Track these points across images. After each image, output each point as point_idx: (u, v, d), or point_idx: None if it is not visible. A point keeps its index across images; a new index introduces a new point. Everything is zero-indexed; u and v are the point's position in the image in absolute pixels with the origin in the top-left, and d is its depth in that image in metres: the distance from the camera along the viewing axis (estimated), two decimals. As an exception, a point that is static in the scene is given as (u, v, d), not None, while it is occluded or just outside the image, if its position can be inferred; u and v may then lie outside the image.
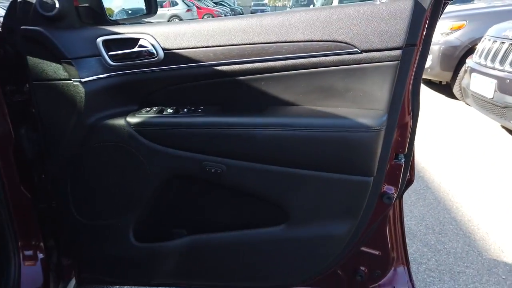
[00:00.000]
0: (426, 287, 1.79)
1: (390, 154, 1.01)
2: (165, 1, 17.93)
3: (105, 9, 1.07)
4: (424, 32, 0.91)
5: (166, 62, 0.97)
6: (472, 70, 3.77)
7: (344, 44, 0.91)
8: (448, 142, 3.67)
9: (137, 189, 1.07)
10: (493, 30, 3.73)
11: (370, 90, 0.94)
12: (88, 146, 1.03)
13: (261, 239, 1.11)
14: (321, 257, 1.12)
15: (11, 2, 0.97)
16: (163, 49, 0.96)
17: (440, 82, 5.41)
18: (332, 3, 10.40)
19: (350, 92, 0.95)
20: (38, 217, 1.19)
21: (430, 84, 6.05)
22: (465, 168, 3.09)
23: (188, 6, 19.26)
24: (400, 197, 1.12)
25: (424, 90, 5.83)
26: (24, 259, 1.16)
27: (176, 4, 18.62)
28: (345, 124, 0.94)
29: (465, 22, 4.75)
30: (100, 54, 0.97)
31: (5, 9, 1.01)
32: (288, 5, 31.04)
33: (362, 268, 1.18)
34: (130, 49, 0.96)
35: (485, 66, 3.55)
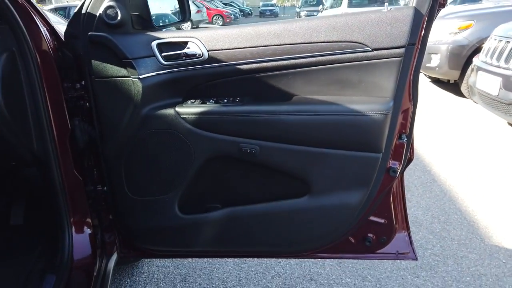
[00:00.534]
0: (431, 269, 1.94)
1: (395, 134, 1.19)
2: (175, 2, 18.16)
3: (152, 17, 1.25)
4: (422, 34, 1.09)
5: (209, 61, 1.15)
6: (479, 68, 3.89)
7: (358, 44, 1.09)
8: (455, 138, 3.79)
9: (183, 168, 1.25)
10: (499, 30, 3.84)
11: (379, 81, 1.12)
12: (142, 133, 1.20)
13: (287, 209, 1.28)
14: (337, 225, 1.29)
15: (75, 13, 1.15)
16: (208, 50, 1.14)
17: (448, 80, 5.51)
18: (341, 3, 10.52)
19: (363, 83, 1.14)
20: (86, 198, 1.37)
21: (439, 82, 6.16)
22: (471, 162, 3.21)
23: (197, 7, 19.49)
24: (402, 172, 1.29)
25: (432, 88, 5.94)
26: (76, 233, 1.34)
27: (186, 5, 18.80)
28: (358, 109, 1.12)
29: (472, 22, 4.85)
30: (154, 55, 1.14)
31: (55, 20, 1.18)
32: (297, 5, 31.17)
33: (371, 235, 1.35)
34: (179, 50, 1.14)
35: (491, 64, 3.67)
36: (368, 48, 1.09)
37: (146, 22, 1.23)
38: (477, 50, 4.61)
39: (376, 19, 1.07)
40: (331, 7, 11.93)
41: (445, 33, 5.03)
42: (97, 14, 1.12)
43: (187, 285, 1.86)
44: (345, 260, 2.00)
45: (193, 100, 1.22)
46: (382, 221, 1.34)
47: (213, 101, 1.20)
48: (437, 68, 5.15)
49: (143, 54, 1.14)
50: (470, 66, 4.52)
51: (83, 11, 1.14)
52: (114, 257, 1.47)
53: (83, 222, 1.36)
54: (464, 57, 4.83)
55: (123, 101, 1.17)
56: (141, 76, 1.14)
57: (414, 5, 1.06)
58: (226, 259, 2.03)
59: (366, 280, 1.87)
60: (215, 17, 22.88)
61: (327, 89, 1.17)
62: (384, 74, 1.11)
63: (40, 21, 1.18)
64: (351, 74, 1.13)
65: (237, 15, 28.33)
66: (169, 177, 1.27)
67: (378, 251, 1.39)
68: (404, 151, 1.23)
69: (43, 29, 1.18)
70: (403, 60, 1.08)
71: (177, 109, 1.19)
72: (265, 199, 1.30)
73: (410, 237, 1.38)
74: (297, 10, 25.03)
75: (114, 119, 1.20)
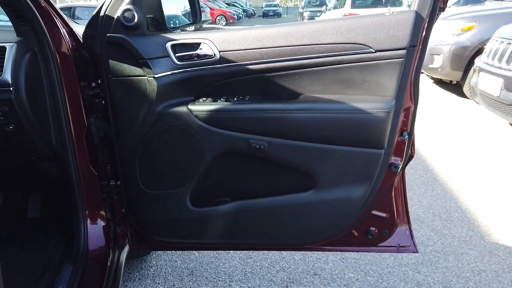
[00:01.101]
0: (432, 265, 1.99)
1: (397, 132, 1.24)
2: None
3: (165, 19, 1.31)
4: (423, 36, 1.14)
5: (221, 61, 1.21)
6: (480, 69, 3.93)
7: (362, 46, 1.15)
8: (457, 138, 3.84)
9: (195, 163, 1.31)
10: (501, 31, 3.88)
11: (381, 81, 1.18)
12: (156, 129, 1.26)
13: (293, 203, 1.34)
14: (341, 217, 1.34)
15: (94, 15, 1.21)
16: (219, 51, 1.20)
17: (451, 81, 5.54)
18: (344, 4, 10.55)
19: (366, 83, 1.20)
20: (101, 192, 1.43)
21: (441, 83, 6.19)
22: (472, 162, 3.26)
23: (201, 7, 19.50)
24: (403, 168, 1.34)
25: (435, 89, 5.98)
26: (90, 225, 1.40)
27: (190, 5, 18.83)
28: (362, 108, 1.18)
29: (475, 23, 4.88)
30: (168, 55, 1.20)
31: (75, 22, 1.25)
32: (300, 6, 31.20)
33: (373, 229, 1.41)
34: (192, 51, 1.20)
35: (492, 65, 3.71)
36: (371, 49, 1.15)
37: (160, 24, 1.29)
38: (479, 51, 4.64)
39: (379, 22, 1.13)
40: (334, 7, 11.95)
41: (447, 34, 5.06)
42: (115, 17, 1.18)
43: (194, 278, 1.91)
44: (348, 255, 2.06)
45: (204, 99, 1.27)
46: (384, 215, 1.40)
47: (223, 100, 1.26)
48: (440, 69, 5.19)
49: (158, 54, 1.20)
50: (472, 67, 4.56)
51: (101, 13, 1.20)
52: (126, 249, 1.53)
53: (98, 215, 1.42)
54: (467, 58, 4.87)
55: (139, 99, 1.23)
56: (156, 76, 1.20)
57: (415, 9, 1.12)
58: (232, 253, 2.09)
59: (368, 275, 1.92)
60: (218, 17, 22.94)
61: (332, 88, 1.23)
62: (386, 74, 1.17)
63: (61, 23, 1.24)
64: (355, 74, 1.19)
65: (240, 15, 28.38)
66: (181, 171, 1.33)
67: (380, 244, 1.45)
68: (405, 147, 1.28)
69: (63, 31, 1.24)
70: (404, 61, 1.14)
71: (190, 107, 1.25)
72: (272, 193, 1.36)
73: (411, 230, 1.44)
74: (300, 10, 25.07)
75: (129, 116, 1.26)
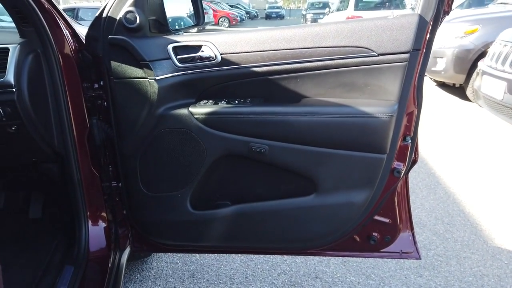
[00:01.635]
0: (434, 269, 1.98)
1: (400, 136, 1.23)
2: (182, 4, 18.24)
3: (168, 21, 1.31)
4: (427, 40, 1.13)
5: (222, 64, 1.20)
6: (484, 72, 3.92)
7: (365, 49, 1.14)
8: (460, 141, 3.82)
9: (195, 166, 1.30)
10: (504, 34, 3.87)
11: (384, 85, 1.17)
12: (157, 131, 1.26)
13: (294, 207, 1.33)
14: (343, 222, 1.33)
15: (96, 17, 1.21)
16: (220, 54, 1.20)
17: (454, 84, 5.53)
18: (347, 6, 10.56)
19: (369, 87, 1.19)
20: (102, 193, 1.43)
21: (444, 86, 6.18)
22: (475, 165, 3.24)
23: (204, 9, 19.55)
24: (406, 173, 1.33)
25: (438, 92, 5.97)
26: (92, 226, 1.40)
27: (193, 7, 18.88)
28: (364, 112, 1.17)
29: (478, 26, 4.87)
30: (170, 58, 1.20)
31: (78, 23, 1.26)
32: (303, 8, 31.23)
33: (375, 234, 1.39)
34: (194, 53, 1.20)
35: (496, 69, 3.70)
36: (374, 53, 1.14)
37: (162, 26, 1.29)
38: (482, 54, 4.63)
39: (382, 26, 1.12)
40: (338, 10, 11.97)
41: (451, 37, 5.05)
42: (117, 18, 1.18)
43: (195, 281, 1.91)
44: (349, 258, 2.05)
45: (206, 101, 1.27)
46: (387, 220, 1.39)
47: (225, 102, 1.26)
48: (443, 72, 5.18)
49: (160, 56, 1.20)
50: (476, 70, 4.54)
51: (104, 15, 1.20)
52: (127, 251, 1.53)
53: (99, 217, 1.42)
54: (470, 61, 4.85)
55: (140, 101, 1.23)
56: (157, 78, 1.20)
57: (419, 12, 1.11)
58: (233, 256, 2.08)
59: (370, 279, 1.91)
60: (221, 19, 23.00)
61: (334, 92, 1.22)
62: (389, 78, 1.16)
63: (63, 24, 1.24)
64: (357, 78, 1.18)
65: (243, 17, 28.45)
66: (182, 174, 1.32)
67: (382, 250, 1.43)
68: (408, 152, 1.27)
69: (66, 32, 1.24)
70: (407, 65, 1.13)
71: (191, 109, 1.24)
72: (273, 197, 1.35)
73: (414, 236, 1.43)
74: (303, 12, 25.09)
75: (131, 118, 1.26)
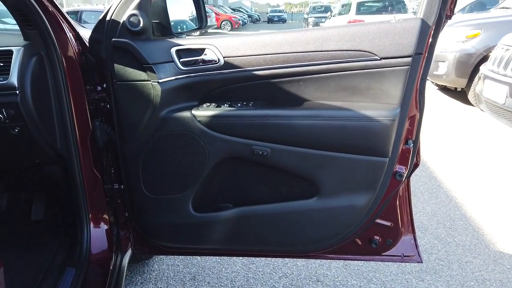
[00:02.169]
0: (436, 273, 1.97)
1: (402, 140, 1.23)
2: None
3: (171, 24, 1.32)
4: (429, 44, 1.14)
5: (225, 67, 1.21)
6: (485, 77, 3.92)
7: (367, 53, 1.15)
8: (462, 145, 3.82)
9: (198, 168, 1.31)
10: (506, 39, 3.87)
11: (386, 89, 1.17)
12: (160, 134, 1.27)
13: (296, 210, 1.33)
14: (344, 226, 1.33)
15: (100, 20, 1.22)
16: (223, 57, 1.20)
17: (455, 88, 5.53)
18: (349, 10, 10.58)
19: (371, 90, 1.19)
20: (104, 195, 1.43)
21: (446, 90, 6.18)
22: (477, 169, 3.24)
23: (207, 12, 19.60)
24: (408, 177, 1.33)
25: (439, 96, 5.97)
26: (93, 228, 1.40)
27: (195, 11, 18.95)
28: (367, 115, 1.18)
29: (480, 31, 4.87)
30: (173, 61, 1.21)
31: (82, 26, 1.26)
32: (305, 12, 31.31)
33: (377, 237, 1.39)
34: (197, 57, 1.20)
35: (498, 73, 3.70)
36: (376, 57, 1.14)
37: (166, 29, 1.30)
38: (484, 59, 4.63)
39: (385, 30, 1.13)
40: (339, 14, 11.99)
41: (452, 41, 5.06)
42: (121, 21, 1.19)
43: (196, 283, 1.91)
44: (351, 262, 2.04)
45: (208, 104, 1.28)
46: (388, 224, 1.39)
47: (227, 105, 1.26)
48: (445, 76, 5.18)
49: (163, 59, 1.21)
50: (477, 75, 4.54)
51: (107, 18, 1.21)
52: (129, 253, 1.53)
53: (101, 219, 1.42)
54: (472, 65, 4.86)
55: (143, 104, 1.24)
56: (160, 80, 1.20)
57: (421, 16, 1.11)
58: (235, 259, 2.08)
59: (371, 283, 1.90)
60: (223, 23, 23.07)
61: (336, 95, 1.22)
62: (391, 82, 1.16)
63: (67, 27, 1.25)
64: (360, 82, 1.18)
65: (246, 20, 28.53)
66: (184, 176, 1.33)
67: (384, 253, 1.43)
68: (410, 156, 1.27)
69: (70, 35, 1.25)
70: (410, 69, 1.14)
71: (193, 112, 1.25)
72: (275, 200, 1.35)
73: (415, 240, 1.42)
74: (305, 16, 25.16)
75: (134, 121, 1.27)
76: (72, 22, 1.32)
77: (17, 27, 1.27)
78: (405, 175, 1.29)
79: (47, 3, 1.19)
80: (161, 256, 2.08)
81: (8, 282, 1.36)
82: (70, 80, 1.25)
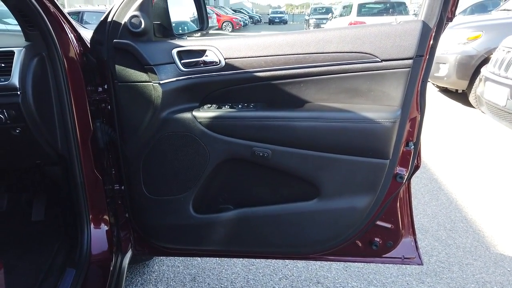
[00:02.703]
0: (436, 276, 1.97)
1: (403, 142, 1.23)
2: (186, 9, 18.36)
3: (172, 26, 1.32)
4: (430, 46, 1.14)
5: (226, 69, 1.21)
6: (487, 79, 3.91)
7: (368, 55, 1.15)
8: (462, 147, 3.81)
9: (198, 170, 1.31)
10: (507, 41, 3.86)
11: (387, 91, 1.17)
12: (161, 135, 1.27)
13: (296, 212, 1.33)
14: (345, 227, 1.33)
15: (101, 21, 1.22)
16: (224, 58, 1.20)
17: (456, 90, 5.53)
18: (350, 12, 10.59)
19: (372, 92, 1.19)
20: (105, 196, 1.43)
21: (446, 92, 6.17)
22: (478, 171, 3.23)
23: (208, 13, 19.62)
24: (409, 179, 1.33)
25: (440, 97, 5.96)
26: (94, 229, 1.40)
27: (196, 12, 18.99)
28: (367, 117, 1.17)
29: (481, 33, 4.87)
30: (174, 62, 1.21)
31: (83, 27, 1.27)
32: (306, 13, 31.33)
33: (377, 239, 1.39)
34: (198, 58, 1.21)
35: (499, 75, 3.69)
36: (377, 59, 1.14)
37: (167, 30, 1.30)
38: (485, 61, 4.63)
39: (386, 32, 1.13)
40: (340, 15, 12.00)
41: (453, 43, 5.06)
42: (122, 23, 1.19)
43: (196, 284, 1.91)
44: (351, 264, 2.04)
45: (209, 105, 1.28)
46: (389, 226, 1.39)
47: (228, 107, 1.26)
48: (445, 78, 5.17)
49: (164, 61, 1.21)
50: (478, 76, 4.54)
51: (109, 19, 1.21)
52: (129, 254, 1.53)
53: (101, 220, 1.42)
54: (473, 67, 4.85)
55: (144, 105, 1.24)
56: (161, 82, 1.20)
57: (422, 18, 1.11)
58: (235, 260, 2.08)
59: (371, 285, 1.90)
60: (224, 24, 23.10)
61: (337, 97, 1.22)
62: (392, 84, 1.16)
63: (69, 28, 1.25)
64: (360, 83, 1.18)
65: (247, 22, 28.56)
66: (185, 177, 1.33)
67: (384, 256, 1.43)
68: (411, 158, 1.27)
69: (71, 36, 1.25)
70: (411, 71, 1.14)
71: (194, 113, 1.25)
72: (276, 202, 1.35)
73: (416, 242, 1.42)
74: (306, 17, 25.17)
75: (134, 122, 1.27)
76: (74, 22, 1.32)
77: (18, 28, 1.27)
78: (405, 177, 1.29)
79: (48, 4, 1.19)
80: (161, 257, 2.08)
81: (8, 283, 1.36)
82: (71, 81, 1.25)
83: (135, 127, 1.27)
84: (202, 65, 1.22)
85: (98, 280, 1.37)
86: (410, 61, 1.13)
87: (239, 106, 1.26)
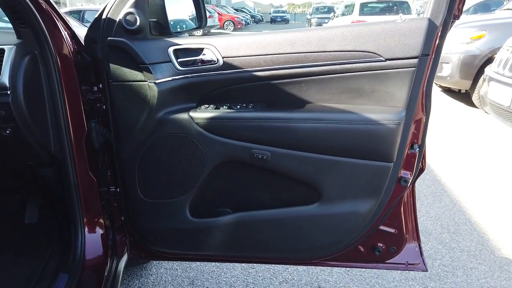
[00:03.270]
0: (440, 280, 1.92)
1: (407, 144, 1.19)
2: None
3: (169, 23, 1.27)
4: (436, 45, 1.09)
5: (224, 68, 1.16)
6: (490, 79, 3.87)
7: (372, 54, 1.10)
8: (466, 148, 3.77)
9: (195, 172, 1.26)
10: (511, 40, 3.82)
11: (391, 91, 1.13)
12: (156, 136, 1.23)
13: (297, 216, 1.29)
14: (347, 232, 1.29)
15: (96, 18, 1.18)
16: (222, 57, 1.16)
17: (460, 90, 5.48)
18: (352, 11, 10.53)
19: (375, 93, 1.14)
20: (99, 198, 1.39)
21: (450, 92, 6.13)
22: (482, 173, 3.18)
23: (209, 12, 19.59)
24: (413, 182, 1.29)
25: (443, 97, 5.91)
26: (88, 233, 1.36)
27: (198, 11, 18.96)
28: (371, 118, 1.13)
29: (485, 32, 4.82)
30: (170, 61, 1.17)
31: (84, 25, 1.22)
32: (308, 12, 31.27)
33: (380, 245, 1.35)
34: (195, 57, 1.16)
35: (503, 75, 3.65)
36: (381, 58, 1.09)
37: (164, 28, 1.25)
38: (489, 60, 4.58)
39: (390, 30, 1.08)
40: (343, 14, 11.94)
41: (457, 42, 5.01)
42: (117, 20, 1.15)
43: (194, 288, 1.87)
44: (353, 268, 2.00)
45: (206, 106, 1.24)
46: (392, 230, 1.34)
47: (226, 107, 1.22)
48: (449, 78, 5.12)
49: (160, 59, 1.17)
50: (482, 76, 4.49)
51: (103, 16, 1.17)
52: (125, 258, 1.49)
53: (96, 223, 1.38)
54: (476, 67, 4.81)
55: (139, 105, 1.20)
56: (157, 81, 1.16)
57: (428, 16, 1.07)
58: (234, 263, 2.04)
59: (374, 289, 1.86)
60: (226, 23, 23.05)
61: (339, 97, 1.18)
62: (397, 84, 1.11)
63: (62, 25, 1.21)
64: (364, 83, 1.14)
65: (248, 21, 28.52)
66: (181, 180, 1.29)
67: (387, 261, 1.39)
68: (415, 161, 1.23)
69: (65, 33, 1.21)
70: (416, 71, 1.09)
71: (191, 113, 1.21)
72: (275, 205, 1.31)
73: (420, 247, 1.38)
74: (308, 17, 25.12)
75: (130, 122, 1.23)
76: (70, 20, 1.28)
77: (9, 25, 1.23)
78: (410, 180, 1.24)
79: (41, 1, 1.15)
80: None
81: None
82: (65, 80, 1.21)
83: (130, 127, 1.23)
84: (199, 64, 1.17)
85: (92, 285, 1.33)
86: (416, 61, 1.08)
87: (238, 106, 1.22)
